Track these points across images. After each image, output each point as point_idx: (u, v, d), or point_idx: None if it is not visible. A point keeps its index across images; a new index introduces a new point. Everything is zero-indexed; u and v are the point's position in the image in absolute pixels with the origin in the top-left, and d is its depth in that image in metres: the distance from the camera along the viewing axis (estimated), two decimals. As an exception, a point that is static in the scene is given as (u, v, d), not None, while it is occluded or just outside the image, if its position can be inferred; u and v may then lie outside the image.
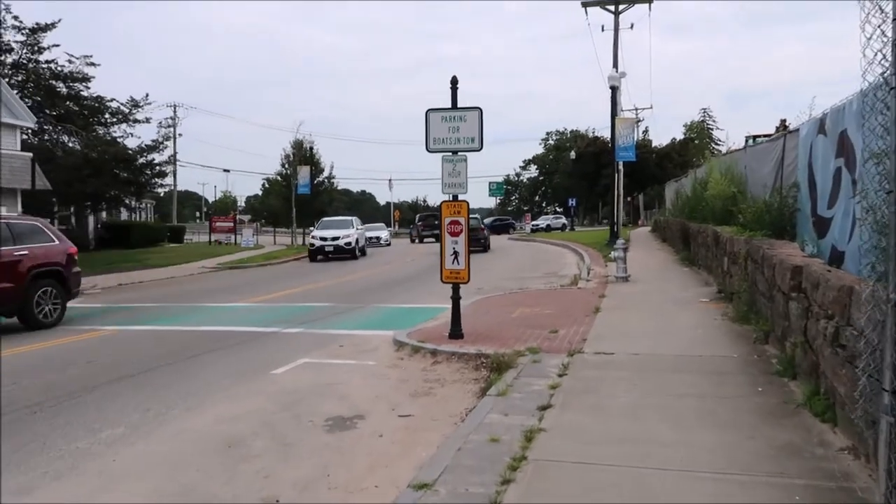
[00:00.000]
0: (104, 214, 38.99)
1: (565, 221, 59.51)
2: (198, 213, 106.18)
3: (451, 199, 8.86)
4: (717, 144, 74.50)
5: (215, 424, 5.74)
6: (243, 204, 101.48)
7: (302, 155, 44.87)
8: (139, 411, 6.19)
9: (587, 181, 69.59)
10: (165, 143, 31.93)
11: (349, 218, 31.33)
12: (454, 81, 8.81)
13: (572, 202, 56.21)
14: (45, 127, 30.96)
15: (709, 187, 14.51)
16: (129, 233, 35.38)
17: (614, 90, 27.05)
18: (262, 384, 7.09)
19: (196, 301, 14.86)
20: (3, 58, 28.95)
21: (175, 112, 65.10)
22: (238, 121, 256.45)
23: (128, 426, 5.76)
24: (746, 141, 20.22)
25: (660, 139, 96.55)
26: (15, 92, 29.60)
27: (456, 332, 8.76)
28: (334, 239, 27.45)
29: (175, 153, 64.38)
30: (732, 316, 9.21)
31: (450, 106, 8.78)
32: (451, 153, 8.79)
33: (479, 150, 8.71)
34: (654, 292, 12.56)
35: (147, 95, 31.60)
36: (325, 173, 47.99)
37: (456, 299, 8.84)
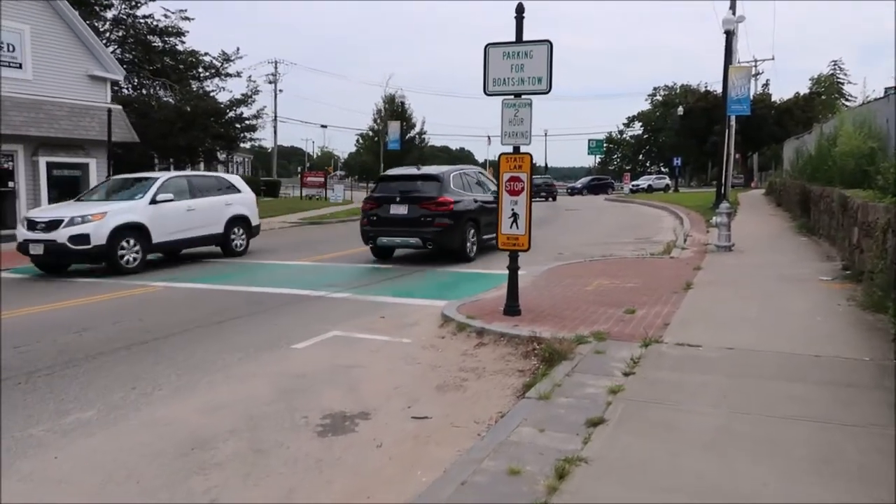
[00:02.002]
0: (202, 167, 39.97)
1: (668, 182, 55.96)
2: (299, 168, 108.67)
3: (511, 151, 7.47)
4: (848, 100, 67.34)
5: (195, 414, 4.81)
6: (345, 159, 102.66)
7: (393, 110, 44.14)
8: (124, 389, 5.37)
9: (696, 139, 64.79)
10: (254, 96, 31.88)
11: (151, 175, 14.13)
12: (520, 9, 7.31)
13: (677, 161, 52.43)
14: (144, 81, 31.70)
15: (839, 143, 12.21)
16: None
17: (729, 35, 24.09)
18: (274, 362, 6.13)
19: (260, 258, 14.30)
20: (104, 13, 29.57)
21: (276, 68, 66.24)
22: (339, 77, 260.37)
23: (101, 408, 4.94)
24: (886, 92, 17.28)
25: (781, 94, 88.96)
26: (115, 47, 30.40)
27: (512, 308, 7.46)
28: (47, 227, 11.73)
29: (275, 108, 65.65)
30: (862, 301, 7.36)
31: (513, 39, 7.32)
32: (512, 96, 7.36)
33: (546, 93, 7.23)
34: (762, 266, 10.67)
35: (238, 49, 31.77)
36: (417, 129, 47.13)
37: (513, 269, 7.51)
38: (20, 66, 19.30)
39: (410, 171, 13.99)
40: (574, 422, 4.17)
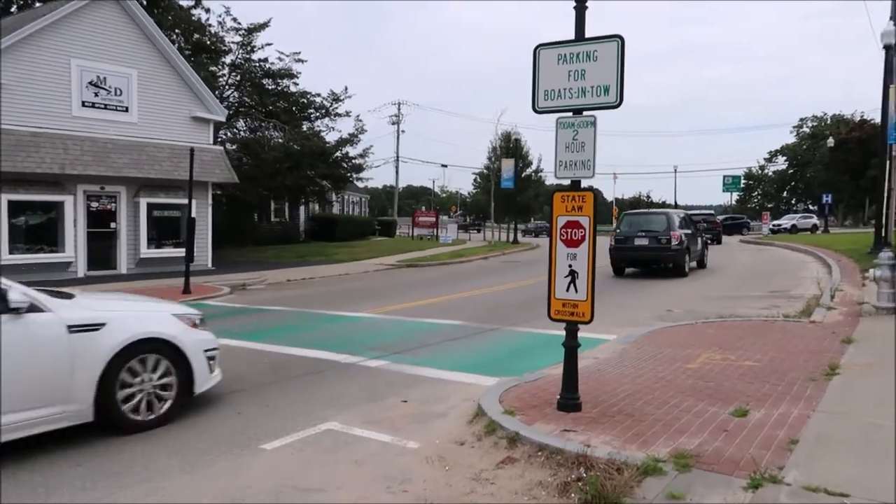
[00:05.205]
0: (317, 208, 40.47)
1: (816, 221, 50.13)
2: (423, 208, 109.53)
3: (568, 185, 5.56)
4: None
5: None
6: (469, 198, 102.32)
7: (508, 148, 42.69)
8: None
9: (850, 174, 58.21)
10: (359, 136, 31.56)
11: None
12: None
13: (827, 198, 46.74)
14: (261, 124, 32.42)
15: None
16: (334, 226, 36.03)
17: (889, 50, 20.48)
18: (222, 472, 4.54)
19: (328, 307, 13.03)
20: (223, 59, 30.64)
21: (399, 109, 67.53)
22: (462, 116, 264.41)
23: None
24: None
25: (954, 122, 78.65)
26: (231, 91, 31.37)
27: (569, 402, 5.46)
28: None
29: (397, 148, 66.82)
30: None
31: (572, 38, 5.49)
32: (570, 112, 5.49)
33: (616, 107, 5.29)
34: (944, 340, 7.85)
35: (346, 89, 31.65)
36: (534, 166, 45.32)
37: (571, 348, 5.52)
38: (126, 110, 19.77)
39: None
40: None
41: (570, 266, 5.45)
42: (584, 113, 5.44)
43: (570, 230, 5.45)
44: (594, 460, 4.29)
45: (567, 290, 5.47)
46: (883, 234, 20.26)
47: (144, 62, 20.23)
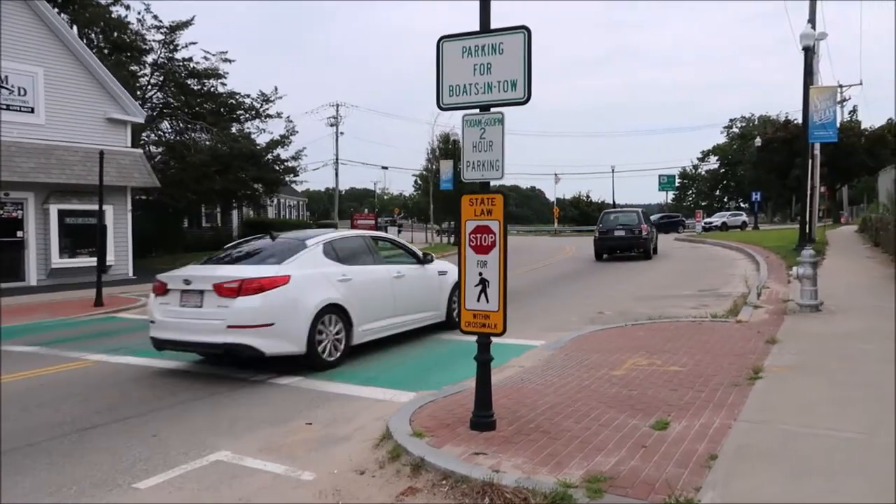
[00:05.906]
0: (251, 212, 39.23)
1: (745, 219, 51.75)
2: (366, 210, 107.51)
3: (477, 189, 5.18)
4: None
5: None
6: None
7: (447, 149, 42.36)
8: None
9: (777, 173, 60.31)
10: (290, 137, 30.63)
11: None
12: (486, -14, 5.12)
13: (757, 196, 48.26)
14: (189, 125, 31.13)
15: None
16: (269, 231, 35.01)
17: (808, 52, 21.04)
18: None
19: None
20: (144, 58, 29.25)
21: (337, 111, 66.46)
22: (404, 119, 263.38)
23: None
24: None
25: (872, 121, 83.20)
26: (154, 91, 30.01)
27: (482, 420, 5.07)
28: None
29: (336, 150, 65.84)
30: None
31: (477, 30, 5.10)
32: (476, 109, 5.11)
33: (523, 103, 4.94)
34: (863, 337, 7.85)
35: (276, 89, 30.66)
36: (473, 168, 45.12)
37: (484, 363, 5.13)
38: (32, 111, 18.50)
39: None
40: None
41: (480, 274, 5.06)
42: (492, 110, 5.07)
43: (479, 236, 5.06)
44: (501, 489, 3.90)
45: (478, 299, 5.08)
46: (807, 231, 20.82)
47: (52, 60, 18.98)
